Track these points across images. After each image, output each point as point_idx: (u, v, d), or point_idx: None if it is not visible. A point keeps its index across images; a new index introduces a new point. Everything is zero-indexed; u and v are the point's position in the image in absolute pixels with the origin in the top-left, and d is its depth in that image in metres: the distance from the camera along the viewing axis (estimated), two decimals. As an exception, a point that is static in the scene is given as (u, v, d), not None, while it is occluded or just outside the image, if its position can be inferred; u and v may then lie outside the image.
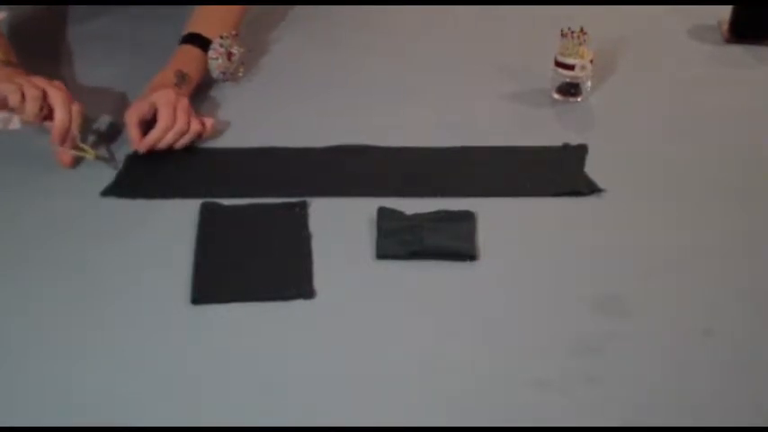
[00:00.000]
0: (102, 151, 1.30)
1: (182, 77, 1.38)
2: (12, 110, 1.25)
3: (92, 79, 1.49)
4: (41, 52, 1.59)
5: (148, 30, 1.66)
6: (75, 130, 1.26)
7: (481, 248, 1.14)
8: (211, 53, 1.46)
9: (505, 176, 1.29)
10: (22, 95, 1.23)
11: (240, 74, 1.52)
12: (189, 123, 1.31)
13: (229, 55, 1.47)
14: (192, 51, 1.45)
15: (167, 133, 1.29)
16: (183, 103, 1.32)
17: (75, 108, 1.26)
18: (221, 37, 1.46)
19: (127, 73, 1.52)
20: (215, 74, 1.48)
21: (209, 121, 1.35)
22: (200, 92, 1.46)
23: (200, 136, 1.33)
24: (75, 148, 1.28)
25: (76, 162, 1.29)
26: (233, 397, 0.94)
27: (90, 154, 1.29)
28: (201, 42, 1.46)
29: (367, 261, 1.12)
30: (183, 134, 1.31)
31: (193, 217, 1.19)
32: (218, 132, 1.38)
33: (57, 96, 1.25)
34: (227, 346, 1.00)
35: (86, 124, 1.32)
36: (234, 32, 1.49)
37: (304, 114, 1.43)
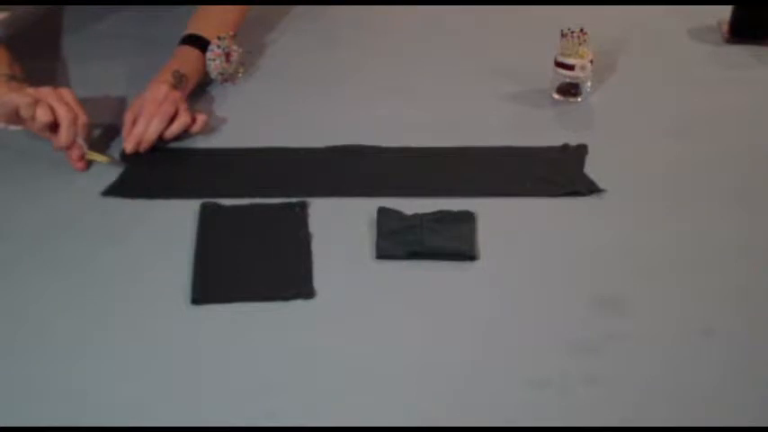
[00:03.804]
0: (108, 154, 1.30)
1: (179, 78, 1.37)
2: (21, 121, 1.26)
3: (92, 80, 1.49)
4: (42, 53, 1.59)
5: (149, 30, 1.66)
6: (80, 141, 1.27)
7: (481, 248, 1.14)
8: (209, 54, 1.45)
9: (505, 176, 1.29)
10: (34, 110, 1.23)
11: (240, 74, 1.52)
12: (175, 113, 1.31)
13: (228, 56, 1.47)
14: (191, 52, 1.44)
15: (151, 125, 1.29)
16: (173, 95, 1.33)
17: (81, 122, 1.26)
18: (219, 38, 1.46)
19: (127, 74, 1.52)
20: (213, 75, 1.47)
21: (200, 117, 1.34)
22: (200, 91, 1.46)
23: (188, 128, 1.33)
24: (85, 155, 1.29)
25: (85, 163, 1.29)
26: (233, 397, 0.94)
27: (103, 159, 1.29)
28: (200, 43, 1.45)
29: (367, 261, 1.12)
30: (166, 122, 1.30)
31: (193, 217, 1.19)
32: (218, 132, 1.38)
33: (65, 118, 1.24)
34: (227, 346, 1.00)
35: (91, 129, 1.32)
36: (231, 33, 1.48)
37: (304, 114, 1.43)
